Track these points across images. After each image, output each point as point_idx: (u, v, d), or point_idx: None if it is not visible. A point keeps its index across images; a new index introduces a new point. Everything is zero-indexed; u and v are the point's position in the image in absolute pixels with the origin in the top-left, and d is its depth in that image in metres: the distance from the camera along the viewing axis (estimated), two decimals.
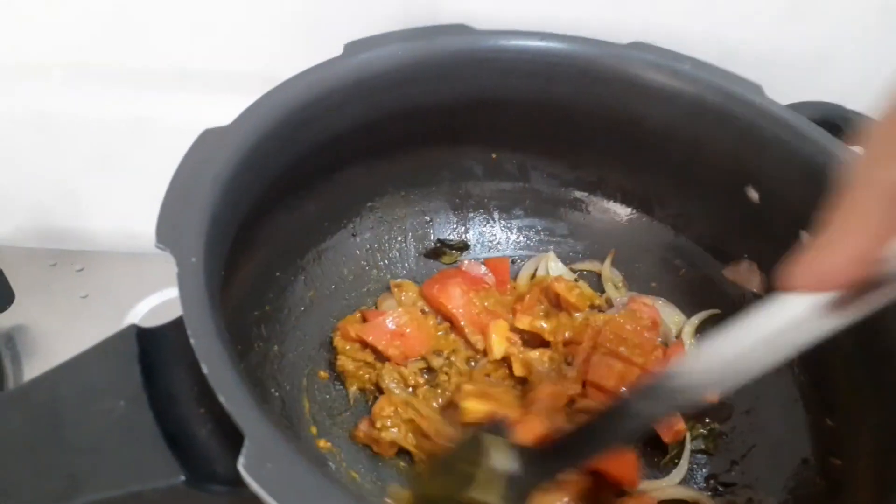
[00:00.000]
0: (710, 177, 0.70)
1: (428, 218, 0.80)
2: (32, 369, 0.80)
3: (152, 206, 0.48)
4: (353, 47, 0.63)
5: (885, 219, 0.31)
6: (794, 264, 0.35)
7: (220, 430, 0.42)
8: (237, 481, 0.38)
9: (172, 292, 0.47)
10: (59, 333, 0.82)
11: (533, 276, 0.79)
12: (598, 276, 0.80)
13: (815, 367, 0.67)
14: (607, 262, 0.79)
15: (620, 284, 0.79)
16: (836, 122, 0.67)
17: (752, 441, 0.68)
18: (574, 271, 0.80)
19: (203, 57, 0.74)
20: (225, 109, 0.56)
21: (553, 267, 0.79)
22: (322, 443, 0.65)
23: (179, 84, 0.76)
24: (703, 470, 0.69)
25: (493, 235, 0.82)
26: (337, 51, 0.63)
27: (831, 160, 0.62)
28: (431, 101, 0.70)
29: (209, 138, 0.53)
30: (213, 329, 0.42)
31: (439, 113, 0.71)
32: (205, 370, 0.39)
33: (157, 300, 0.86)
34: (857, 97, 0.69)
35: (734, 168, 0.68)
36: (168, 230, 0.46)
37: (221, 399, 0.38)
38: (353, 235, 0.76)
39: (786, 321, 0.39)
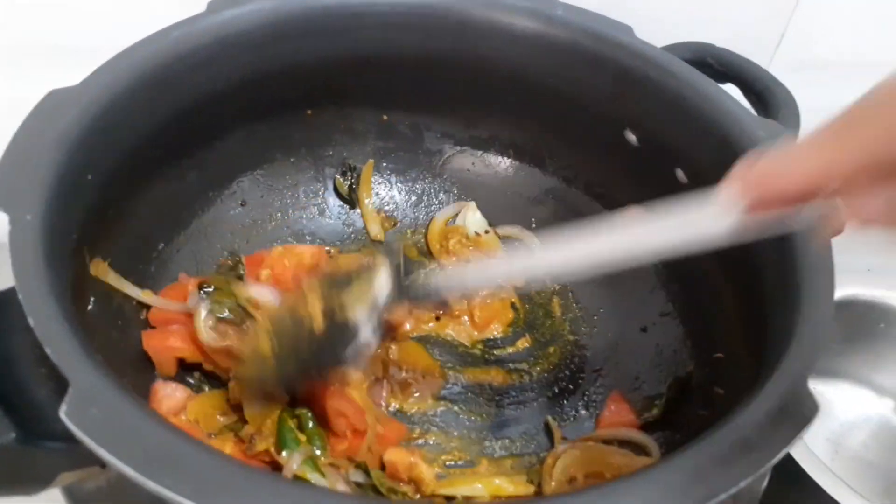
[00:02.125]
0: (591, 124, 0.71)
1: (320, 184, 0.79)
2: None
3: None
4: (216, 4, 0.62)
5: (849, 163, 0.32)
6: (748, 164, 0.36)
7: (61, 388, 0.40)
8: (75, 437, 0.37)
9: None
10: None
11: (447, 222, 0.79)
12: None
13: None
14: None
15: None
16: (706, 60, 0.68)
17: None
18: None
19: (71, 29, 0.72)
20: None
21: (471, 217, 0.79)
22: None
23: (53, 60, 0.73)
24: None
25: (390, 198, 0.81)
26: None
27: (700, 97, 0.63)
28: (309, 61, 0.68)
29: (55, 98, 0.51)
30: (45, 285, 0.40)
31: (320, 73, 0.70)
32: (31, 322, 0.38)
33: None
34: (726, 36, 0.71)
35: (612, 112, 0.69)
36: (3, 189, 0.44)
37: (48, 350, 0.37)
38: (242, 205, 0.74)
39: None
